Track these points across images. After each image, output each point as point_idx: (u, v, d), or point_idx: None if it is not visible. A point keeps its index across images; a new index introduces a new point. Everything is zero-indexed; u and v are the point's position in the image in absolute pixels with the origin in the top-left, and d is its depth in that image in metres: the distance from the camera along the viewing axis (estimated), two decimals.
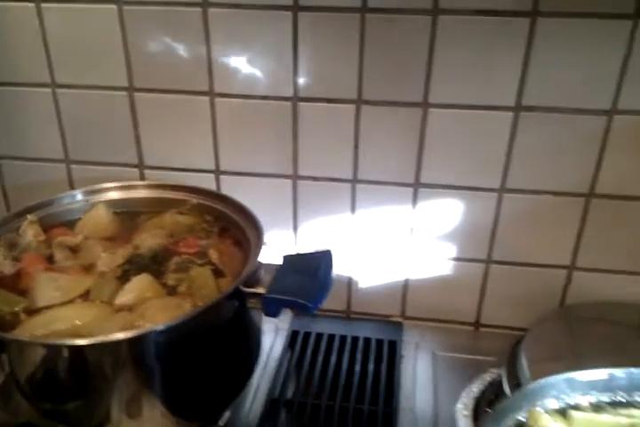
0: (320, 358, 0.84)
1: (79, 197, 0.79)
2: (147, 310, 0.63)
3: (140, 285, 0.66)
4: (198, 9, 0.75)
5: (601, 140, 0.75)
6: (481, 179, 0.81)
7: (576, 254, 0.84)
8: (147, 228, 0.78)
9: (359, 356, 0.85)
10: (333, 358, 0.84)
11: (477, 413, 0.70)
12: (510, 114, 0.75)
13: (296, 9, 0.73)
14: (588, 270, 0.85)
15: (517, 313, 0.89)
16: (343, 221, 0.87)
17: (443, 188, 0.82)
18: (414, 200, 0.84)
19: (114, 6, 0.77)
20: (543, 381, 0.51)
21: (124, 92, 0.83)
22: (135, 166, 0.88)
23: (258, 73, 0.78)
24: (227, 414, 0.75)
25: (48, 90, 0.84)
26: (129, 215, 0.80)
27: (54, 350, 0.57)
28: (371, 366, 0.83)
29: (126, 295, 0.65)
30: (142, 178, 0.89)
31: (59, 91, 0.84)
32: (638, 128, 0.74)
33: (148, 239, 0.75)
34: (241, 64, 0.78)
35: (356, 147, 0.81)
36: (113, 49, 0.80)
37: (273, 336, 0.89)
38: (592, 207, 0.80)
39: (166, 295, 0.66)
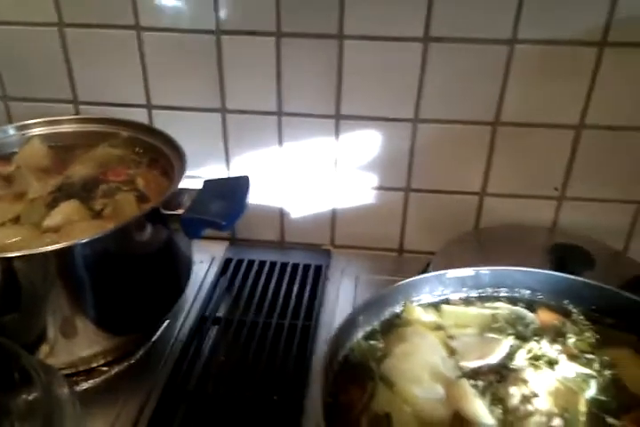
0: (250, 281, 0.90)
1: (12, 131, 0.83)
2: (72, 231, 0.68)
3: (67, 209, 0.71)
4: None
5: (504, 69, 0.80)
6: (396, 110, 0.85)
7: (486, 181, 0.90)
8: (79, 160, 0.82)
9: (286, 279, 0.91)
10: (262, 281, 0.90)
11: None
12: (420, 44, 0.80)
13: None
14: (498, 196, 0.91)
15: (437, 238, 0.94)
16: (272, 153, 0.92)
17: (362, 119, 0.87)
18: (337, 132, 0.89)
19: None
20: (417, 278, 0.58)
21: (55, 28, 0.85)
22: (70, 102, 0.91)
23: (181, 6, 0.81)
24: (160, 331, 0.82)
25: None
26: (63, 149, 0.84)
27: None
28: (295, 288, 0.89)
29: (53, 218, 0.70)
30: (77, 113, 0.92)
31: None
32: (536, 57, 0.79)
33: (80, 170, 0.80)
34: None
35: (279, 79, 0.85)
36: None
37: (208, 264, 0.95)
38: (498, 135, 0.86)
39: (92, 219, 0.71)
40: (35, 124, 0.84)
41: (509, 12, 0.76)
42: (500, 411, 0.48)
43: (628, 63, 0.78)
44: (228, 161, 0.94)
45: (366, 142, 0.89)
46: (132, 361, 0.77)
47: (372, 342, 0.55)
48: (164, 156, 0.80)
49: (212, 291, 0.89)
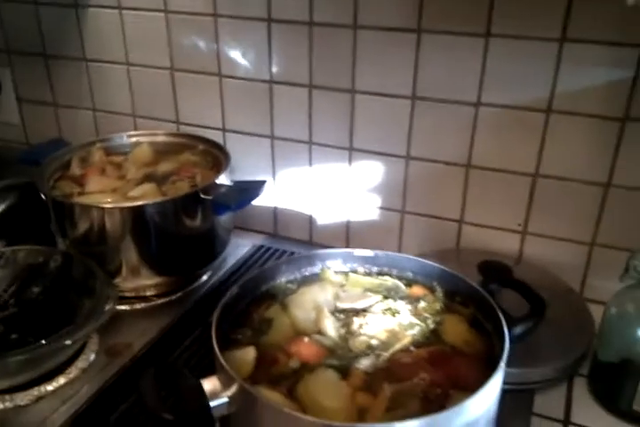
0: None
1: (126, 138, 1.23)
2: (145, 199, 1.04)
3: (145, 187, 1.08)
4: (210, 18, 1.15)
5: (472, 124, 1.05)
6: (393, 147, 1.13)
7: (463, 212, 1.14)
8: (168, 160, 1.20)
9: None
10: None
11: None
12: (409, 101, 1.08)
13: (269, 21, 1.11)
14: (473, 225, 1.14)
15: (426, 251, 1.19)
16: (305, 171, 1.24)
17: (368, 153, 1.16)
18: (350, 160, 1.18)
19: (162, 14, 1.20)
20: (330, 250, 0.85)
21: (168, 71, 1.25)
22: (174, 122, 1.31)
23: (247, 63, 1.17)
24: (198, 282, 1.15)
25: (124, 67, 1.29)
26: (159, 152, 1.22)
27: (89, 209, 1.00)
28: None
29: (135, 191, 1.07)
30: (178, 130, 1.31)
31: (131, 68, 1.29)
32: (497, 117, 1.03)
33: (165, 166, 1.17)
34: (237, 57, 1.17)
35: (310, 118, 1.17)
36: (161, 45, 1.23)
37: (249, 247, 1.28)
38: (471, 175, 1.10)
39: (159, 195, 1.08)
40: (144, 133, 1.24)
41: (475, 81, 1.02)
42: (344, 331, 0.74)
43: (571, 128, 1.00)
44: (274, 175, 1.27)
45: (372, 171, 1.17)
46: (174, 297, 1.10)
47: (289, 284, 0.84)
48: (221, 163, 1.15)
49: (244, 263, 1.21)
